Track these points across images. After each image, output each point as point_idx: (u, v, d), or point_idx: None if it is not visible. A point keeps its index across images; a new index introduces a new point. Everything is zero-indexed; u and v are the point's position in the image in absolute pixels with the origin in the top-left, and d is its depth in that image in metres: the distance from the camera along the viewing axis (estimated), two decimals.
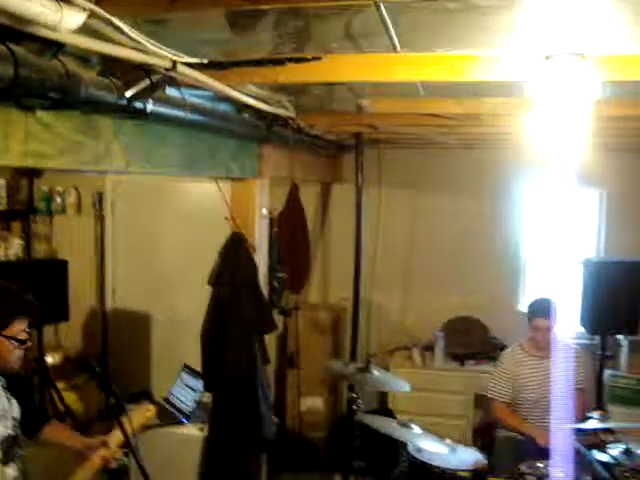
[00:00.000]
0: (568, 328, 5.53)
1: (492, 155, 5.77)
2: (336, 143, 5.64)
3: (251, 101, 3.14)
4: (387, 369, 5.66)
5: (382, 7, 1.65)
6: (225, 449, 3.97)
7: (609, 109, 3.29)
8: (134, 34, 1.78)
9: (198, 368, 4.20)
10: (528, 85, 2.64)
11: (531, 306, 4.48)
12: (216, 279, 3.99)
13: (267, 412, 4.05)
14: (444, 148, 5.81)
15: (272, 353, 4.72)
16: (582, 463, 3.62)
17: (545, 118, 3.14)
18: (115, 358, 6.02)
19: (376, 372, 4.04)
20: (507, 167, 5.76)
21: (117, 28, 1.68)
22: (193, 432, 4.23)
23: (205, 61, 2.36)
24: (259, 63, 2.61)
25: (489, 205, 6.05)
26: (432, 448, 3.79)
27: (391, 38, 1.93)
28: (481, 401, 5.30)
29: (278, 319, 5.23)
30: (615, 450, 3.83)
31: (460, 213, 6.14)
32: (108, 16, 1.59)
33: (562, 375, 4.35)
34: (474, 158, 5.94)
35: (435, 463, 3.73)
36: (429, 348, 5.95)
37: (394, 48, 2.05)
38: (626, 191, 5.83)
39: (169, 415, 4.39)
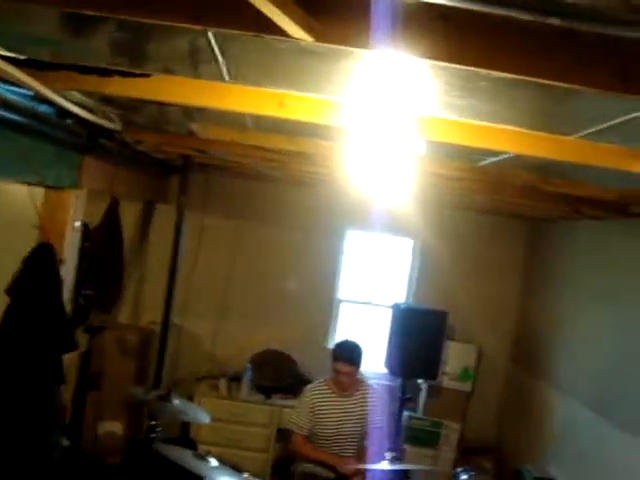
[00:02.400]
0: (372, 369, 5.74)
1: (319, 195, 5.92)
2: (164, 163, 5.52)
3: (72, 107, 2.99)
4: (192, 398, 5.56)
5: (210, 36, 1.62)
6: (6, 471, 3.66)
7: (428, 166, 3.46)
8: None
9: None
10: (355, 133, 2.72)
11: (335, 349, 4.57)
12: (15, 289, 3.71)
13: (54, 434, 3.80)
14: (272, 182, 5.88)
15: (72, 372, 4.46)
16: None
17: (369, 167, 3.25)
18: None
19: (176, 401, 3.94)
20: (332, 209, 5.93)
21: None
22: None
23: (22, 57, 2.21)
24: (84, 70, 2.49)
25: (311, 243, 6.18)
26: None
27: (220, 67, 1.91)
28: (284, 435, 5.33)
29: (83, 338, 4.96)
30: None
31: (282, 248, 6.22)
32: None
33: (359, 414, 4.49)
34: (301, 195, 6.07)
35: None
36: (237, 379, 5.91)
37: (223, 77, 2.02)
38: (438, 243, 6.19)
39: None
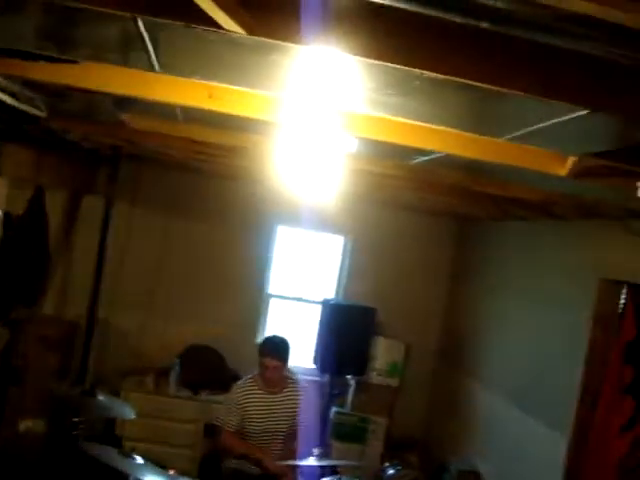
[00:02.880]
0: (301, 365, 5.74)
1: (250, 190, 5.88)
2: (93, 153, 5.37)
3: None
4: (118, 393, 5.44)
5: (140, 23, 1.58)
6: None
7: (360, 164, 3.48)
8: None
9: None
10: (285, 128, 2.70)
11: (262, 344, 4.55)
12: None
13: None
14: (203, 175, 5.80)
15: None
16: None
17: (299, 163, 3.24)
18: None
19: (101, 397, 3.84)
20: (263, 204, 5.90)
21: None
22: None
23: None
24: (8, 53, 2.39)
25: (241, 238, 6.14)
26: None
27: (150, 56, 1.86)
28: (211, 431, 5.27)
29: (3, 331, 4.80)
30: None
31: (212, 242, 6.16)
32: None
33: (287, 411, 4.48)
34: (233, 190, 6.01)
35: None
36: (165, 374, 5.82)
37: (153, 67, 1.98)
38: (369, 241, 6.24)
39: None
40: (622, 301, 3.78)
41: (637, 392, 3.56)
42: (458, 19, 1.36)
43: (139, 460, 3.72)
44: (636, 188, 2.64)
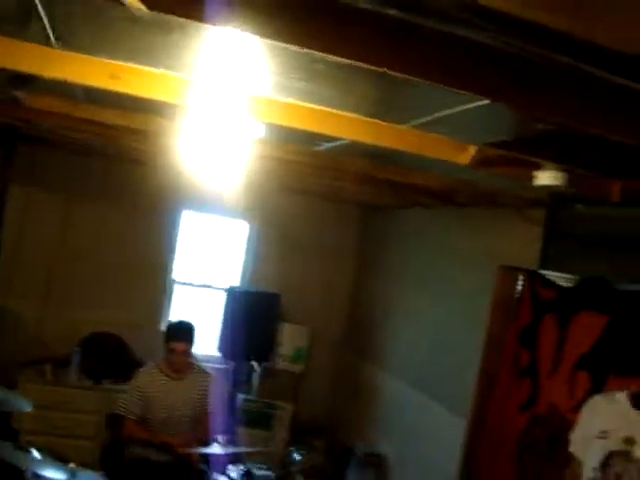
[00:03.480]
0: (206, 352, 5.69)
1: (154, 174, 5.74)
2: None
3: None
4: (15, 385, 5.23)
5: None
6: None
7: (265, 149, 3.46)
8: None
9: None
10: (190, 111, 2.65)
11: (169, 328, 4.49)
12: None
13: None
14: (106, 158, 5.62)
15: None
16: None
17: (204, 147, 3.19)
18: None
19: None
20: (167, 188, 5.78)
21: None
22: None
23: None
24: None
25: (144, 223, 6.00)
26: (51, 474, 3.53)
27: (45, 29, 1.77)
28: (113, 421, 5.14)
29: None
30: (236, 472, 4.01)
31: (114, 227, 5.99)
32: None
33: (192, 397, 4.43)
34: (136, 173, 5.85)
35: None
36: (65, 364, 5.63)
37: (50, 42, 1.89)
38: (274, 227, 6.24)
39: None
40: (519, 287, 3.92)
41: (534, 374, 3.72)
42: (366, 5, 1.37)
43: (36, 454, 3.59)
44: (532, 177, 2.76)
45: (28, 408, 3.80)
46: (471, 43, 1.55)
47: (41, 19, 1.67)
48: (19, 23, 1.79)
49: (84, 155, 5.67)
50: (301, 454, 5.87)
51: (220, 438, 3.98)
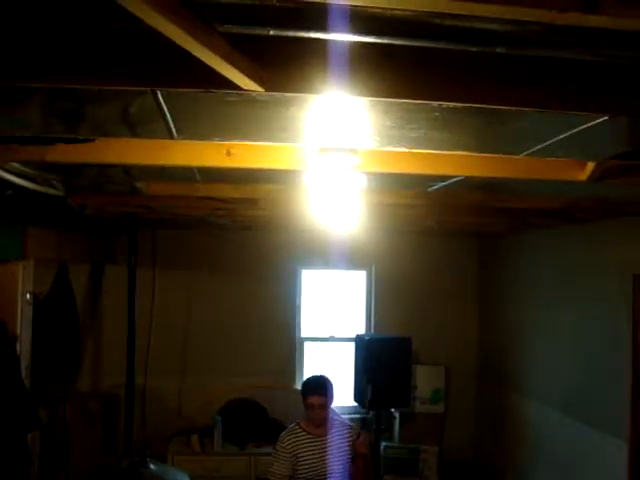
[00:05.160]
0: (343, 404, 5.70)
1: (270, 238, 5.90)
2: (110, 223, 5.42)
3: (15, 179, 2.91)
4: (164, 457, 5.40)
5: (159, 95, 1.61)
6: None
7: (377, 197, 3.49)
8: None
9: None
10: (303, 174, 2.73)
11: (304, 384, 4.53)
12: None
13: None
14: (222, 229, 5.83)
15: (36, 450, 4.29)
16: None
17: (319, 205, 3.25)
18: None
19: (153, 466, 3.82)
20: (285, 250, 5.93)
21: None
22: None
23: None
24: (25, 141, 2.43)
25: (266, 287, 6.15)
26: None
27: (168, 124, 1.89)
28: None
29: (43, 412, 4.79)
30: None
31: (237, 294, 6.16)
32: None
33: (338, 452, 4.43)
34: (252, 240, 6.04)
35: None
36: (208, 433, 5.78)
37: (170, 134, 2.00)
38: (391, 270, 6.23)
39: None
40: None
41: None
42: (474, 48, 1.38)
43: None
44: None
45: None
46: (579, 64, 1.54)
47: (165, 117, 1.78)
48: (146, 124, 1.92)
49: (200, 228, 5.91)
50: None
51: None
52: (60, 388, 5.35)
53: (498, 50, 1.34)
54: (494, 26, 1.28)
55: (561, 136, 2.02)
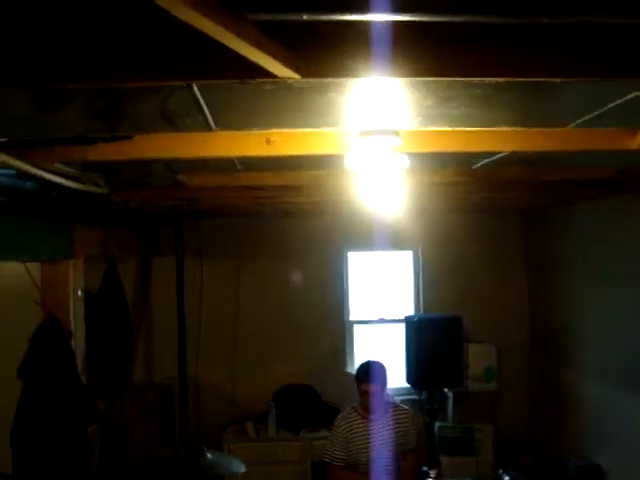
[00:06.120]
0: (396, 385, 5.67)
1: (314, 222, 5.88)
2: (154, 216, 5.47)
3: (59, 180, 2.95)
4: (220, 446, 5.46)
5: (195, 88, 1.59)
6: None
7: (422, 177, 3.44)
8: None
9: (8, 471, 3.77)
10: (344, 158, 2.69)
11: (358, 371, 4.52)
12: (28, 371, 3.64)
13: None
14: (265, 217, 5.83)
15: (96, 443, 4.37)
16: None
17: (362, 188, 3.21)
18: None
19: (209, 455, 3.84)
20: (330, 233, 5.90)
21: None
22: None
23: (2, 140, 2.18)
24: (67, 142, 2.45)
25: (313, 271, 6.14)
26: None
27: (205, 117, 1.87)
28: (319, 468, 5.23)
29: (100, 406, 4.87)
30: None
31: (285, 280, 6.17)
32: None
33: (393, 436, 4.41)
34: (297, 226, 6.03)
35: None
36: (262, 420, 5.82)
37: (209, 126, 1.99)
38: (438, 250, 6.15)
39: None
40: None
41: None
42: (514, 20, 1.32)
43: None
44: None
45: (242, 469, 3.93)
46: (630, 28, 1.47)
47: (202, 110, 1.77)
48: (184, 118, 1.91)
49: (244, 217, 5.92)
50: (511, 475, 5.65)
51: (431, 473, 3.92)
52: (116, 382, 5.45)
53: (545, 20, 1.28)
54: None
55: (611, 104, 1.95)
